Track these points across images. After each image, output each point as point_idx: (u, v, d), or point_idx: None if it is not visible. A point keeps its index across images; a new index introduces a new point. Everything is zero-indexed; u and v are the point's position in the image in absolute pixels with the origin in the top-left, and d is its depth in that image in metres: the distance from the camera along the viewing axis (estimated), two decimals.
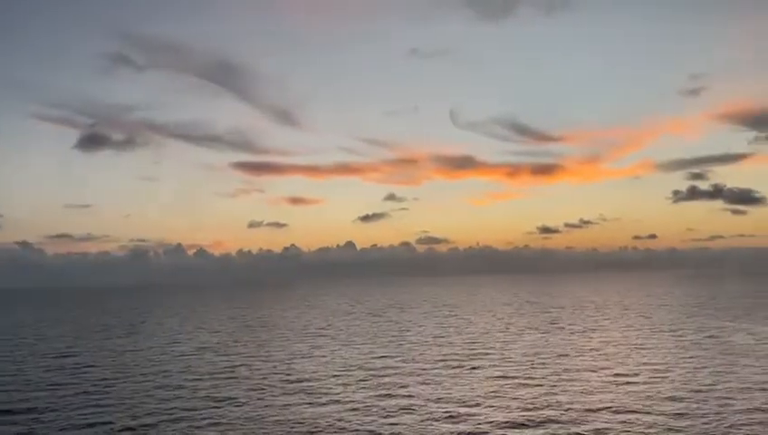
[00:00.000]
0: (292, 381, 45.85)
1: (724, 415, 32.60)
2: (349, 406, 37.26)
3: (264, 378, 47.79)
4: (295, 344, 69.71)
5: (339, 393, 41.01)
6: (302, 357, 59.15)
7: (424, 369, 50.08)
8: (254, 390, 43.09)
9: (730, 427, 30.52)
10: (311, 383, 44.86)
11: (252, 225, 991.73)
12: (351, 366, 52.43)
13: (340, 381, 45.36)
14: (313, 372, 49.60)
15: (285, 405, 37.96)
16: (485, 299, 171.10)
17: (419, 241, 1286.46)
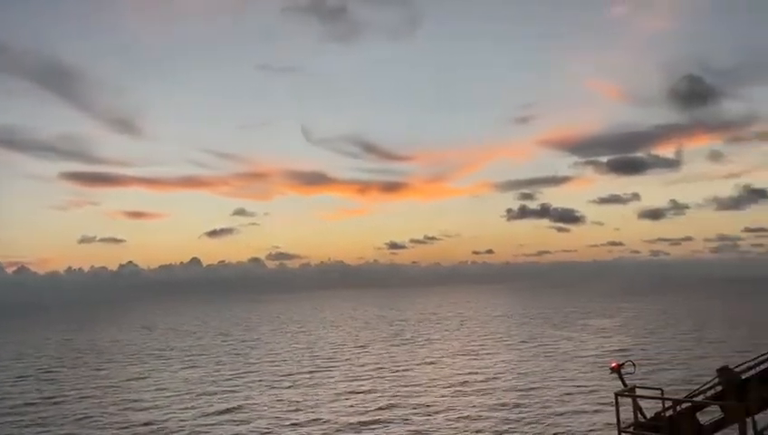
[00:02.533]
0: (126, 408, 43.36)
1: (548, 417, 36.01)
2: (192, 428, 36.12)
3: (97, 404, 44.71)
4: (130, 367, 65.78)
5: (178, 415, 39.54)
6: (138, 380, 56.09)
7: (270, 386, 49.74)
8: (86, 418, 40.23)
9: (554, 427, 33.80)
10: (146, 406, 42.75)
11: (84, 240, 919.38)
12: (193, 387, 50.68)
13: (182, 405, 43.68)
14: (150, 395, 47.28)
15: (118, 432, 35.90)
16: (335, 314, 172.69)
17: (270, 257, 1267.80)
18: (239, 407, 41.98)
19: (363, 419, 37.01)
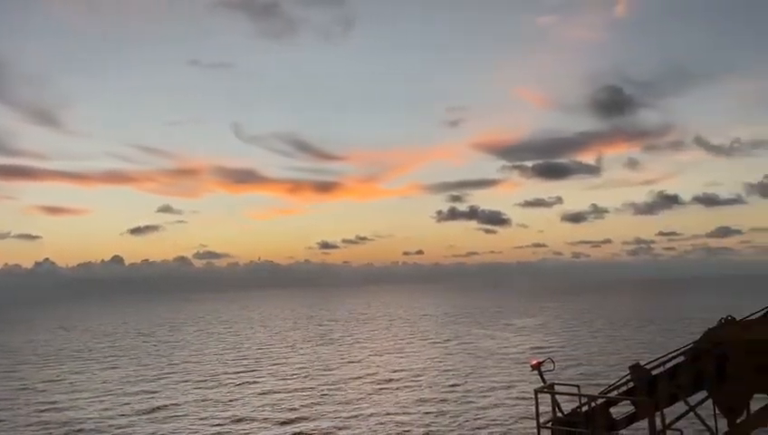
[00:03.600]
0: (42, 410, 41.30)
1: (471, 412, 36.91)
2: (112, 428, 34.78)
3: (9, 407, 42.34)
4: (46, 369, 62.64)
5: (96, 416, 38.02)
6: (55, 381, 53.55)
7: (195, 386, 48.58)
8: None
9: (476, 422, 34.66)
10: (63, 407, 40.87)
11: None
12: (113, 388, 48.85)
13: (101, 406, 42.05)
14: (68, 396, 45.20)
15: None
16: (264, 314, 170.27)
17: (197, 256, 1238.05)
18: (162, 407, 40.94)
19: (289, 416, 36.80)
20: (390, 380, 48.92)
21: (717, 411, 11.69)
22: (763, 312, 11.69)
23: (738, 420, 11.53)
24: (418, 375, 50.61)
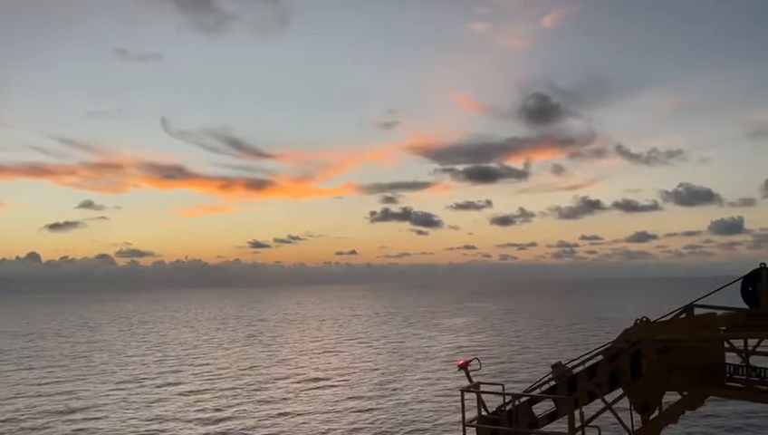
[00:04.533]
0: None
1: (398, 410, 37.11)
2: (25, 430, 32.96)
3: None
4: None
5: (11, 419, 35.92)
6: None
7: (116, 388, 46.69)
8: None
9: (403, 420, 34.87)
10: None
11: None
12: (27, 389, 46.33)
13: (11, 407, 39.79)
14: None
15: None
16: (190, 314, 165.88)
17: (120, 254, 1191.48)
18: (80, 408, 39.09)
19: (214, 416, 35.94)
20: (318, 379, 48.64)
21: (632, 408, 12.19)
22: (676, 313, 12.28)
23: (651, 417, 12.05)
24: (347, 374, 50.55)
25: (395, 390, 43.20)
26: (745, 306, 11.72)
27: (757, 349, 11.43)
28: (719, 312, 11.96)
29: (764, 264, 11.55)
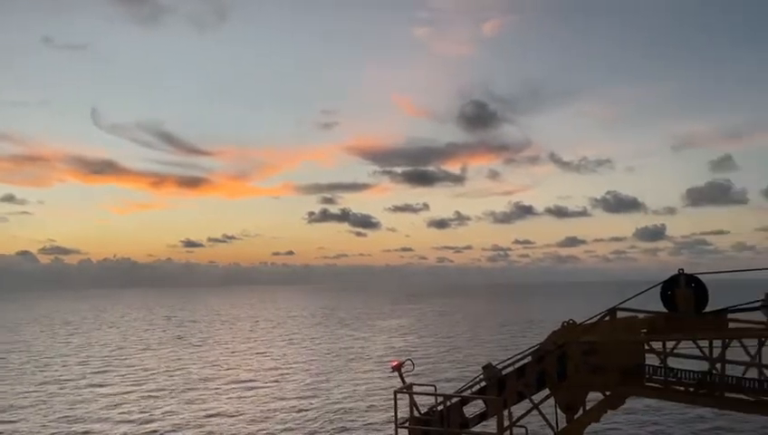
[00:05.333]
0: None
1: (331, 411, 36.91)
2: None
3: None
4: None
5: None
6: None
7: (35, 390, 44.47)
8: None
9: (336, 421, 34.73)
10: None
11: None
12: None
13: None
14: None
15: None
16: (117, 315, 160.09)
17: (43, 251, 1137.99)
18: None
19: (139, 417, 34.74)
20: (250, 380, 47.86)
21: (558, 408, 12.55)
22: (600, 316, 12.75)
23: (575, 416, 12.45)
24: (278, 375, 49.97)
25: (328, 391, 42.99)
26: (665, 310, 12.29)
27: (675, 351, 12.00)
28: (641, 315, 12.48)
29: (682, 269, 12.14)
